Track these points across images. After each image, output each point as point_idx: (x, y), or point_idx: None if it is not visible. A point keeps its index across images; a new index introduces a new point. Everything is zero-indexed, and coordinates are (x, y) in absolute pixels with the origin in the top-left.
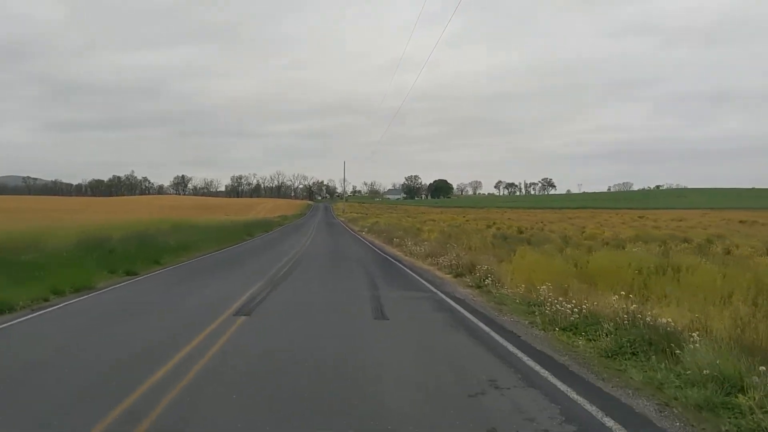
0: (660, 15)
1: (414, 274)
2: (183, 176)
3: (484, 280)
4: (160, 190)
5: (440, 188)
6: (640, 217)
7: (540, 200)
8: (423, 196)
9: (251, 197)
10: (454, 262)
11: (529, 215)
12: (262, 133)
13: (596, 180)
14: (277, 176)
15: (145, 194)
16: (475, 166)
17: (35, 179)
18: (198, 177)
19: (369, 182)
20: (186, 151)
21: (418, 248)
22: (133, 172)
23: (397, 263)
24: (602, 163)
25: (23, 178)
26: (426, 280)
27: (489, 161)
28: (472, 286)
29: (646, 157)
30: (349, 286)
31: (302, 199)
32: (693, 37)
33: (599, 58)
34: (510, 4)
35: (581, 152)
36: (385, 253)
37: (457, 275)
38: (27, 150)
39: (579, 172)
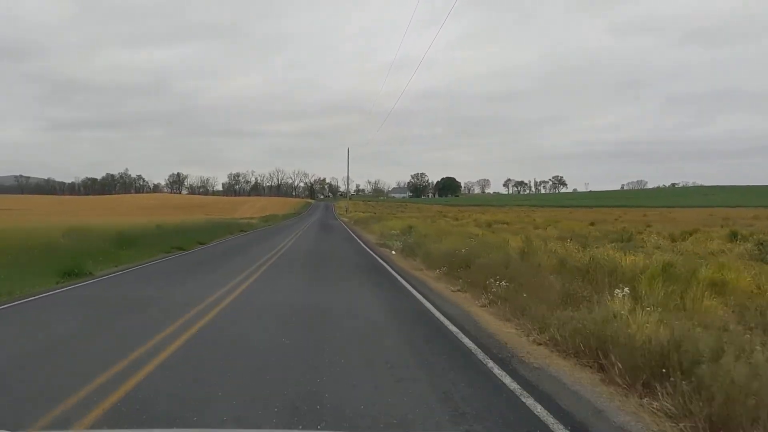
0: (669, 12)
1: None
2: (179, 174)
3: None
4: (155, 189)
5: (448, 186)
6: None
7: (555, 198)
8: (430, 194)
9: (249, 196)
10: None
11: (603, 214)
12: (263, 132)
13: (601, 178)
14: (276, 173)
15: (140, 192)
16: (479, 165)
17: (27, 178)
18: (194, 175)
19: (373, 181)
20: (185, 151)
21: None
22: (127, 170)
23: None
24: (608, 161)
25: (15, 176)
26: None
27: (493, 160)
28: None
29: (654, 156)
30: None
31: (303, 198)
32: (702, 35)
33: (607, 55)
34: (518, 3)
35: (587, 151)
36: None
37: None
38: (26, 149)
39: (584, 171)
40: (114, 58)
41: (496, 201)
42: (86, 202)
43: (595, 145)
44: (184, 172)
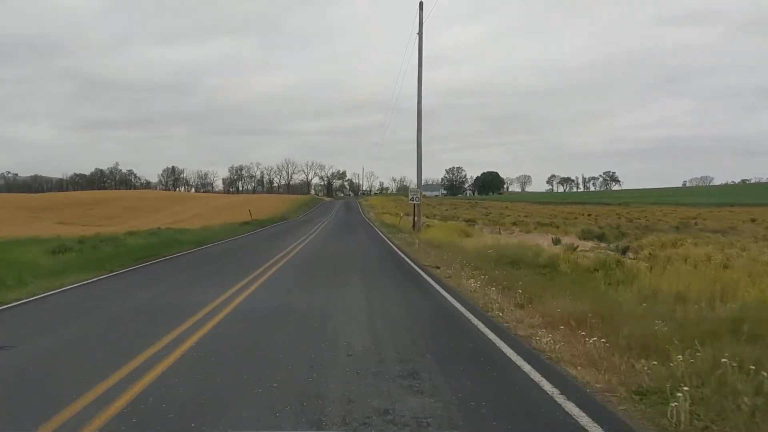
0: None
1: None
2: (173, 168)
3: None
4: (147, 185)
5: (489, 183)
6: None
7: (614, 196)
8: (468, 192)
9: (253, 193)
10: None
11: None
12: (284, 131)
13: (644, 175)
14: (286, 166)
15: (132, 189)
16: (514, 163)
17: (15, 174)
18: (191, 169)
19: (398, 178)
20: (204, 150)
21: None
22: (117, 164)
23: None
24: (657, 157)
25: (3, 173)
26: None
27: (528, 157)
28: None
29: (714, 152)
30: None
31: (314, 195)
32: (756, 26)
33: (657, 47)
34: None
35: (626, 148)
36: None
37: None
38: (42, 148)
39: (629, 167)
40: (136, 55)
41: (560, 199)
42: (24, 200)
43: (637, 142)
44: (178, 166)
